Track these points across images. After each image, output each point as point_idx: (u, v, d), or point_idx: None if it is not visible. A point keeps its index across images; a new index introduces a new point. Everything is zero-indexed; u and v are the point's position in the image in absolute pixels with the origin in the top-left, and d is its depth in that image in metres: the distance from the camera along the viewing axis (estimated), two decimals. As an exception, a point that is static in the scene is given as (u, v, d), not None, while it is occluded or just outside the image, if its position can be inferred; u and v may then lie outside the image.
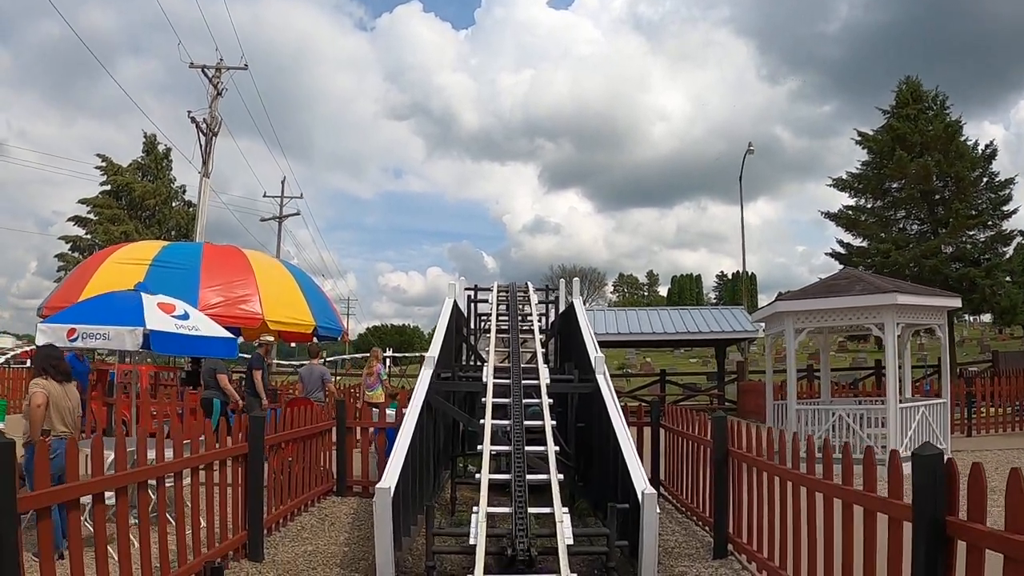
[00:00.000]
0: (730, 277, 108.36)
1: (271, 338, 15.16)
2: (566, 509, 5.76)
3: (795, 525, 5.07)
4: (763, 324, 14.19)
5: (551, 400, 7.85)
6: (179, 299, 10.59)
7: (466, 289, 12.66)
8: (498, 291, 12.41)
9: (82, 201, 37.75)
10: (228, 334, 8.82)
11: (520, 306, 11.80)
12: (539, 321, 11.80)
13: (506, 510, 5.90)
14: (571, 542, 5.30)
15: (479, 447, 6.84)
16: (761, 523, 5.80)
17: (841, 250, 29.24)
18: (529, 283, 13.13)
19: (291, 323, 16.16)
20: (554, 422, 7.36)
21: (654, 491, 5.70)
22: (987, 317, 45.81)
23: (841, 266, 29.46)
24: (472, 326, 12.84)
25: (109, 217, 35.77)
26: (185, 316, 8.04)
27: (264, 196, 43.02)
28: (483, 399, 7.81)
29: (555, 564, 5.07)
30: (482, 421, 7.29)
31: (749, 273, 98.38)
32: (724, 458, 6.53)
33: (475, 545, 5.21)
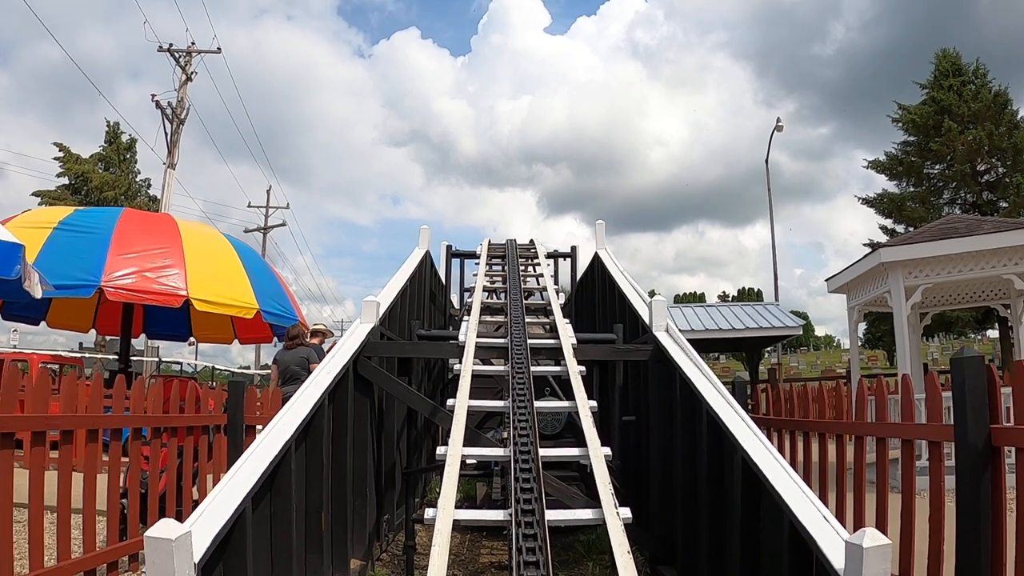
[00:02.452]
0: (736, 294, 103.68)
1: (324, 326, 12.54)
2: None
3: None
4: (841, 295, 10.67)
5: (582, 369, 4.32)
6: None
7: (452, 254, 9.10)
8: (489, 250, 8.74)
9: (36, 194, 34.16)
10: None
11: (522, 267, 8.22)
12: (550, 274, 8.19)
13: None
14: None
15: (441, 452, 3.32)
16: None
17: (883, 238, 25.78)
18: (535, 239, 9.47)
19: (224, 303, 12.56)
20: (594, 403, 3.84)
21: (885, 539, 2.13)
22: (994, 332, 42.65)
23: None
24: (456, 305, 9.27)
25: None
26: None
27: (249, 206, 39.66)
28: (454, 366, 4.30)
29: None
30: (451, 402, 3.78)
31: (756, 289, 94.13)
32: (982, 459, 2.97)
33: None
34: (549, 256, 8.92)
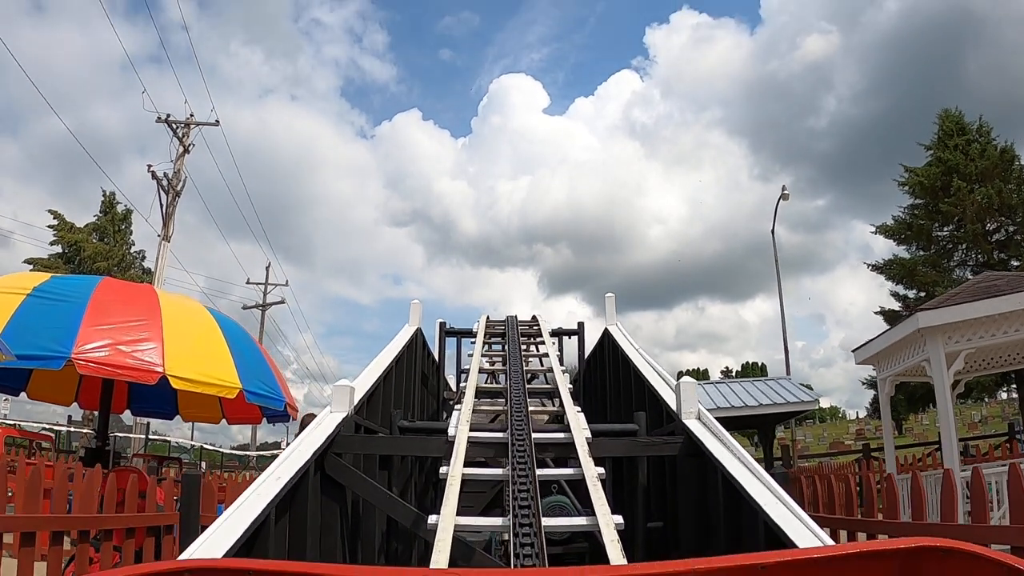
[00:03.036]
0: (739, 369, 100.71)
1: None
2: None
3: None
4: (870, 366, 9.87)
5: (600, 472, 3.48)
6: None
7: (446, 332, 8.24)
8: (488, 327, 7.90)
9: (28, 261, 33.72)
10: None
11: (524, 345, 7.41)
12: (556, 354, 7.37)
13: None
14: None
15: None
16: None
17: (895, 305, 25.04)
18: (538, 315, 8.63)
19: (204, 382, 11.69)
20: (620, 519, 3.00)
21: None
22: (1004, 394, 41.71)
23: (890, 327, 25.25)
24: (453, 387, 8.42)
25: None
26: None
27: (247, 283, 39.20)
28: (443, 467, 3.50)
29: None
30: (432, 521, 2.98)
31: (759, 363, 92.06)
32: None
33: None
34: (554, 334, 8.12)
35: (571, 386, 6.30)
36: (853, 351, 10.04)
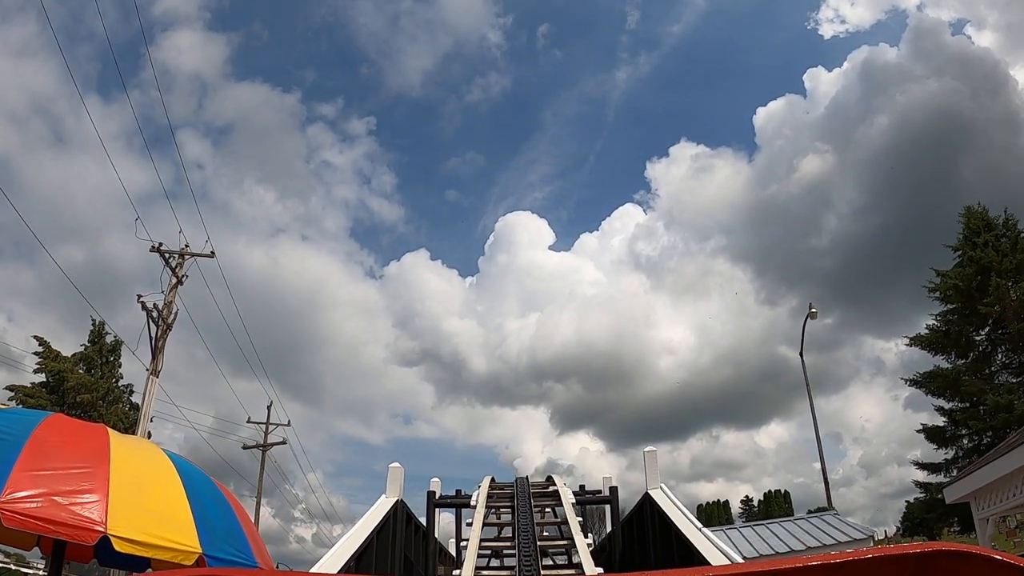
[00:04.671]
0: (761, 498, 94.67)
1: None
2: None
3: None
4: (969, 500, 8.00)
5: None
6: None
7: (436, 503, 6.52)
8: (490, 495, 6.20)
9: (9, 388, 31.55)
10: None
11: (538, 509, 5.68)
12: (585, 543, 5.56)
13: None
14: None
15: None
16: None
17: (940, 420, 22.98)
18: (554, 475, 6.95)
19: (153, 545, 9.70)
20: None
21: None
22: None
23: (935, 446, 23.16)
24: (450, 554, 6.64)
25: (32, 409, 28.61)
26: None
27: (248, 422, 37.40)
28: None
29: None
30: None
31: (782, 491, 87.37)
32: None
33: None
34: (579, 502, 6.35)
35: (591, 547, 4.59)
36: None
